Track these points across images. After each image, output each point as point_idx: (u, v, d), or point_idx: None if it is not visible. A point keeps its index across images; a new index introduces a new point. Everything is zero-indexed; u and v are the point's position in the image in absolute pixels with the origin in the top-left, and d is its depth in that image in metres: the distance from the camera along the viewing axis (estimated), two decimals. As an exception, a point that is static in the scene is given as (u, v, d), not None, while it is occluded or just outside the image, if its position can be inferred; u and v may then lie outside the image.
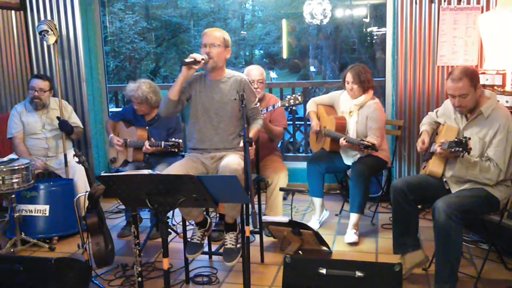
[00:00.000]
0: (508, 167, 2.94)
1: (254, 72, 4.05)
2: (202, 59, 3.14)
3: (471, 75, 2.93)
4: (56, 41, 4.50)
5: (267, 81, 4.35)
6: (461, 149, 2.72)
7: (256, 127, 3.33)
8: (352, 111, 3.95)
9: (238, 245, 3.15)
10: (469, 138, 2.76)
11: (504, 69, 3.73)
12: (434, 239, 2.91)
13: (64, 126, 4.34)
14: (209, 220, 3.30)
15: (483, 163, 2.90)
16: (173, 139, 3.45)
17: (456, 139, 2.76)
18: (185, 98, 3.32)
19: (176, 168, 3.12)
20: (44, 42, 5.01)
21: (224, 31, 3.28)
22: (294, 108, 3.90)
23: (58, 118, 4.35)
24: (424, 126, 3.39)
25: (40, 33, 4.48)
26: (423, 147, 3.25)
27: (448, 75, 3.04)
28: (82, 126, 4.63)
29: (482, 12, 4.17)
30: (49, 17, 4.96)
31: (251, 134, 3.22)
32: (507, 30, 3.78)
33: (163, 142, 3.55)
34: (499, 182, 2.94)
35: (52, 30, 4.44)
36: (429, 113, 3.49)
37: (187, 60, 3.12)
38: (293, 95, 3.86)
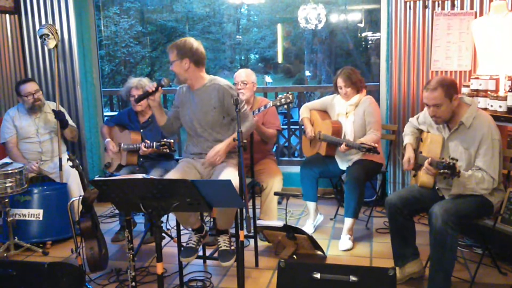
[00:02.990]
0: (499, 173, 2.93)
1: (241, 74, 4.05)
2: (160, 85, 3.17)
3: (447, 86, 2.90)
4: (56, 45, 4.50)
5: (261, 85, 4.35)
6: (449, 172, 2.69)
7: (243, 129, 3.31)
8: (348, 112, 3.97)
9: (232, 247, 3.15)
10: (457, 160, 2.71)
11: (498, 74, 3.74)
12: (429, 244, 2.91)
13: (60, 116, 4.33)
14: (205, 228, 3.30)
15: (476, 174, 2.86)
16: (164, 139, 3.47)
17: (443, 163, 2.70)
18: (178, 116, 3.38)
19: (171, 175, 3.12)
20: (39, 46, 5.01)
21: (180, 41, 3.19)
22: (286, 106, 3.90)
23: (53, 110, 4.36)
24: (408, 137, 3.32)
25: (40, 37, 4.48)
26: (409, 168, 3.19)
27: (425, 84, 3.03)
28: (76, 127, 4.63)
29: (475, 17, 4.19)
30: (43, 21, 4.95)
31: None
32: (500, 36, 3.80)
33: (154, 143, 3.58)
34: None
35: (52, 34, 4.44)
36: (410, 119, 3.44)
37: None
38: (285, 94, 3.88)
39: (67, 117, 4.54)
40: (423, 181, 3.11)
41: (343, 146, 3.73)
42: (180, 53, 3.15)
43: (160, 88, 3.17)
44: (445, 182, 3.05)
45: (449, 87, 2.91)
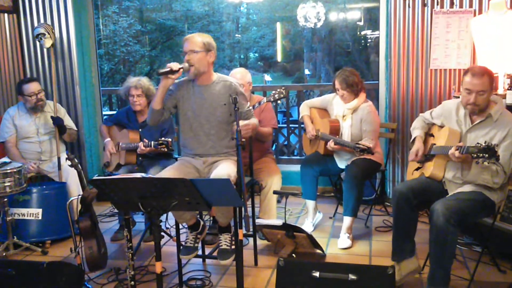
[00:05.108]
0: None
1: (236, 75, 4.01)
2: (181, 67, 3.10)
3: (491, 75, 2.93)
4: (52, 45, 4.49)
5: (261, 84, 4.34)
6: (487, 155, 2.65)
7: (253, 121, 3.29)
8: (346, 115, 3.96)
9: (233, 246, 3.15)
10: (496, 145, 2.70)
11: (497, 72, 3.74)
12: (428, 242, 2.90)
13: (58, 121, 4.33)
14: (201, 223, 3.29)
15: (492, 167, 2.86)
16: (162, 138, 3.44)
17: (482, 146, 2.67)
18: (171, 106, 3.30)
19: (168, 172, 3.12)
20: (38, 45, 5.01)
21: (205, 35, 3.21)
22: (279, 101, 3.88)
23: (52, 117, 4.35)
24: (417, 131, 3.32)
25: (37, 36, 4.47)
26: (415, 159, 3.20)
27: (466, 71, 2.99)
28: (75, 128, 4.62)
29: (474, 15, 4.20)
30: (42, 20, 4.95)
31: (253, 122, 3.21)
32: (499, 34, 3.80)
33: (152, 142, 3.56)
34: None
35: (49, 34, 4.43)
36: (420, 114, 3.44)
37: (161, 70, 3.09)
38: (278, 90, 3.87)
39: (66, 117, 4.53)
40: (434, 173, 3.11)
41: (329, 143, 3.76)
42: (208, 46, 3.17)
43: (180, 70, 3.11)
44: (453, 174, 3.05)
45: (492, 77, 2.94)
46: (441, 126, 3.22)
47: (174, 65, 3.09)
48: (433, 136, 3.27)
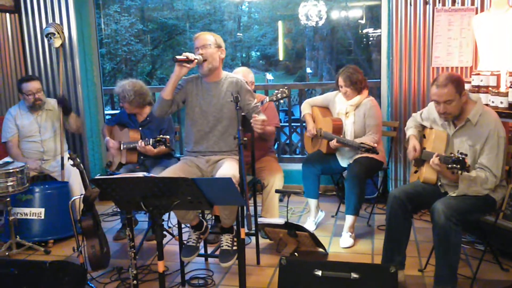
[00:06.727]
0: (502, 170, 2.93)
1: (237, 74, 4.01)
2: (196, 58, 3.13)
3: (456, 82, 2.89)
4: (61, 44, 4.50)
5: (262, 82, 4.34)
6: (459, 166, 2.67)
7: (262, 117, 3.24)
8: (349, 112, 3.96)
9: (234, 247, 3.15)
10: (466, 155, 2.69)
11: (499, 70, 3.73)
12: (432, 241, 2.90)
13: (63, 101, 4.34)
14: (205, 224, 3.29)
15: (481, 175, 2.86)
16: (160, 136, 3.44)
17: (452, 157, 2.69)
18: (180, 100, 3.32)
19: (171, 171, 3.12)
20: (40, 45, 5.02)
21: (215, 34, 3.30)
22: (282, 101, 3.88)
23: (56, 97, 4.35)
24: (411, 130, 3.31)
25: (46, 35, 4.48)
26: (416, 155, 3.18)
27: (433, 81, 3.00)
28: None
29: (476, 13, 4.19)
30: (44, 20, 4.95)
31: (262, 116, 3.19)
32: (501, 31, 3.79)
33: (151, 139, 3.56)
34: None
35: (59, 33, 4.45)
36: (413, 114, 3.44)
37: (178, 57, 3.10)
38: (280, 89, 3.87)
39: None
40: (426, 177, 3.10)
41: (331, 142, 3.75)
42: (218, 42, 3.26)
43: (195, 61, 3.13)
44: (448, 180, 3.05)
45: (459, 83, 2.91)
46: (431, 128, 3.21)
47: (190, 55, 3.13)
48: (425, 137, 3.26)
